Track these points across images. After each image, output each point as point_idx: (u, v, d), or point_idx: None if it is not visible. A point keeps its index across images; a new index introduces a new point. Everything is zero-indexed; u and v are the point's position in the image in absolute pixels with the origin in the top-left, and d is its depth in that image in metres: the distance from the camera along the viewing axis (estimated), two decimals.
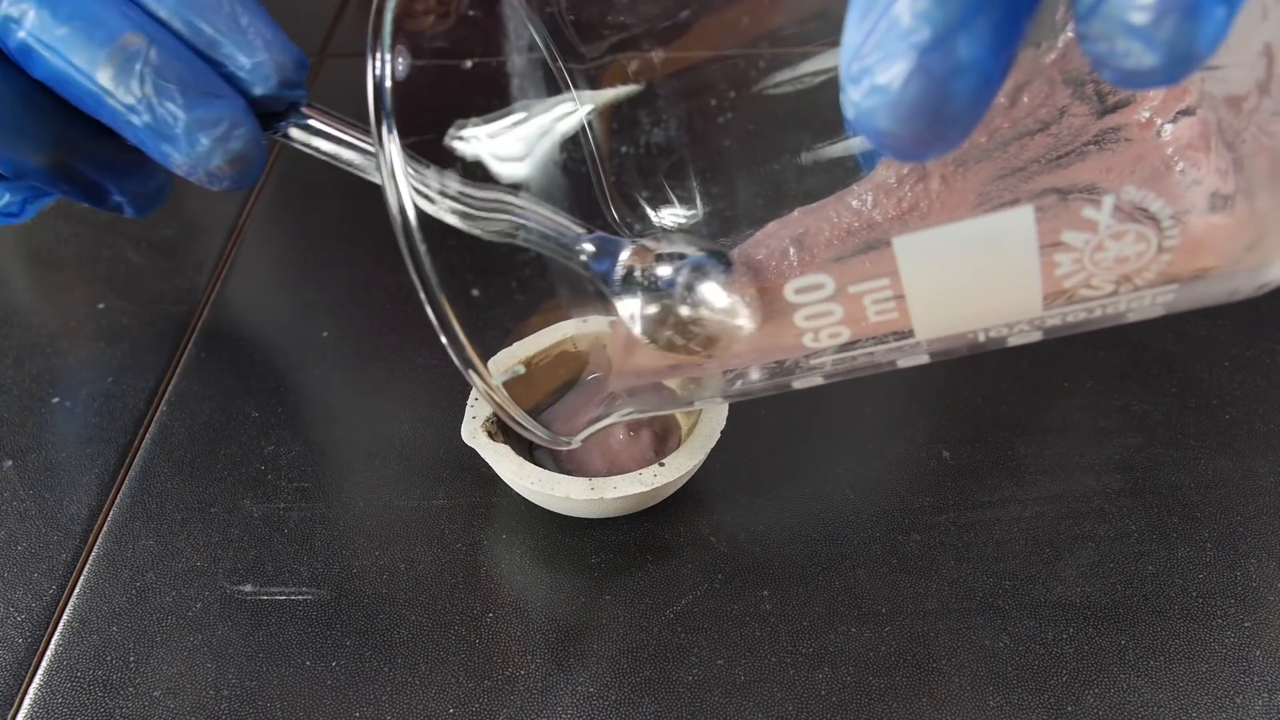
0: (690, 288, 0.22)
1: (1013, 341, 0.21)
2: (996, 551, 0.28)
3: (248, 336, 0.36)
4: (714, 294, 0.22)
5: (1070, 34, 0.18)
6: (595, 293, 0.22)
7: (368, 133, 0.25)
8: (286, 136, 0.26)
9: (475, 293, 0.21)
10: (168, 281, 0.37)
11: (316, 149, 0.26)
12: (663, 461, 0.27)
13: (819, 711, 0.25)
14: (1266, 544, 0.28)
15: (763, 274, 0.21)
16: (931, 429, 0.31)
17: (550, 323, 0.27)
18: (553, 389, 0.26)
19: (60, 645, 0.27)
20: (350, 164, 0.26)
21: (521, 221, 0.21)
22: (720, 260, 0.22)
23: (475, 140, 0.21)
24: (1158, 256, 0.18)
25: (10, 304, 0.36)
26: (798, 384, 0.23)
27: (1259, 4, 0.17)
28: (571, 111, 0.22)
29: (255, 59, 0.24)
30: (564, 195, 0.21)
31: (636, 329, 0.22)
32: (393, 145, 0.19)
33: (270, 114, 0.25)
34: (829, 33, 0.20)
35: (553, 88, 0.22)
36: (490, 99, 0.21)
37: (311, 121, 0.26)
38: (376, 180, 0.25)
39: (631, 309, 0.22)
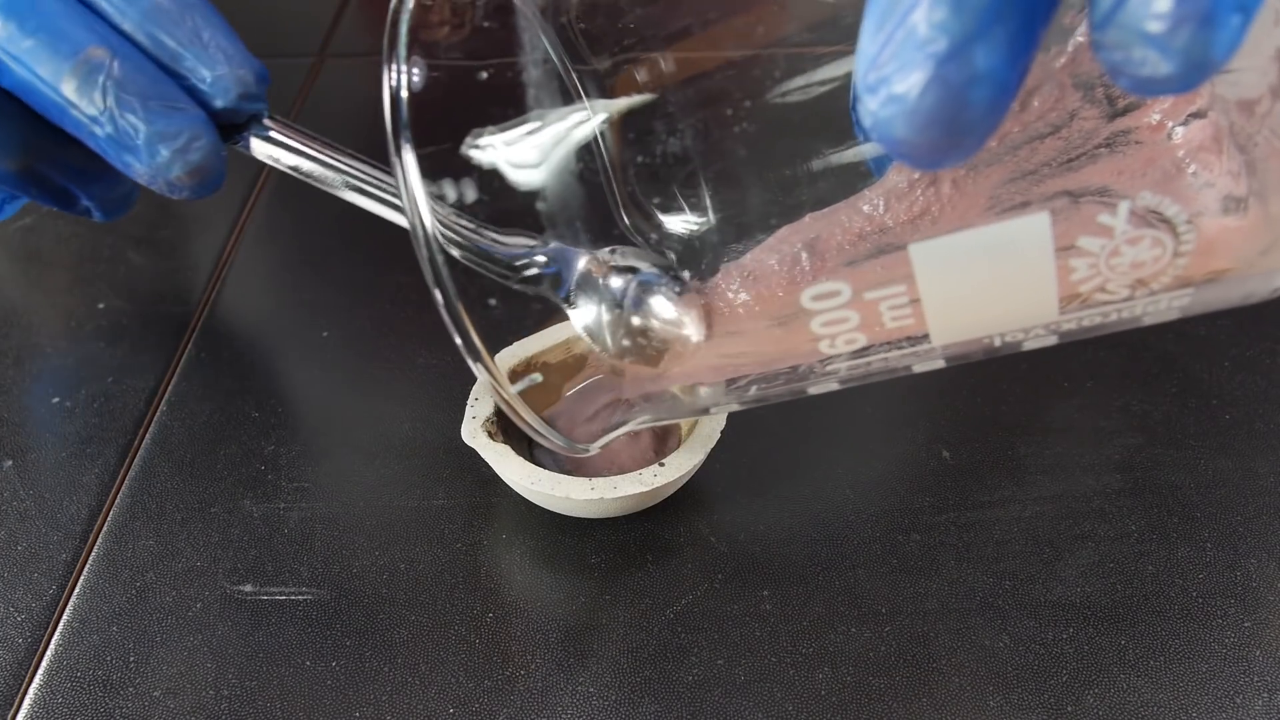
0: (637, 301, 0.22)
1: (1028, 346, 0.21)
2: (996, 551, 0.28)
3: (248, 336, 0.36)
4: (661, 307, 0.22)
5: (1080, 38, 0.18)
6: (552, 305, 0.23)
7: (328, 145, 0.26)
8: (248, 148, 0.26)
9: (492, 301, 0.21)
10: (168, 281, 0.37)
11: (277, 160, 0.26)
12: (663, 461, 0.27)
13: (819, 711, 0.25)
14: (1266, 544, 0.28)
15: (775, 279, 0.21)
16: (931, 429, 0.31)
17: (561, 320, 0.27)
18: (569, 394, 0.26)
19: (60, 645, 0.27)
20: (310, 175, 0.26)
21: (459, 239, 0.22)
22: (670, 277, 0.22)
23: (491, 149, 0.21)
24: (1173, 261, 0.18)
25: (10, 304, 0.37)
26: (813, 389, 0.23)
27: (1272, 10, 0.17)
28: (585, 120, 0.22)
29: (216, 72, 0.25)
30: (579, 203, 0.22)
31: (583, 336, 0.23)
32: (409, 156, 0.20)
33: (232, 126, 0.26)
34: (840, 39, 0.20)
35: (567, 97, 0.23)
36: (505, 108, 0.22)
37: (272, 133, 0.26)
38: (336, 192, 0.26)
39: (582, 318, 0.23)
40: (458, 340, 0.20)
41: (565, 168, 0.21)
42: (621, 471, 0.27)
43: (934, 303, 0.19)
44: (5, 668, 0.26)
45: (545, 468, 0.27)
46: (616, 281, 0.22)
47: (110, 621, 0.27)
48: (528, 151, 0.21)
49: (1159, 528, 0.29)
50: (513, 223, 0.22)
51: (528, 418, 0.23)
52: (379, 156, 0.24)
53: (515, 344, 0.29)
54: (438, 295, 0.20)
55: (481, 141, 0.21)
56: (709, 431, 0.28)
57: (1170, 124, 0.18)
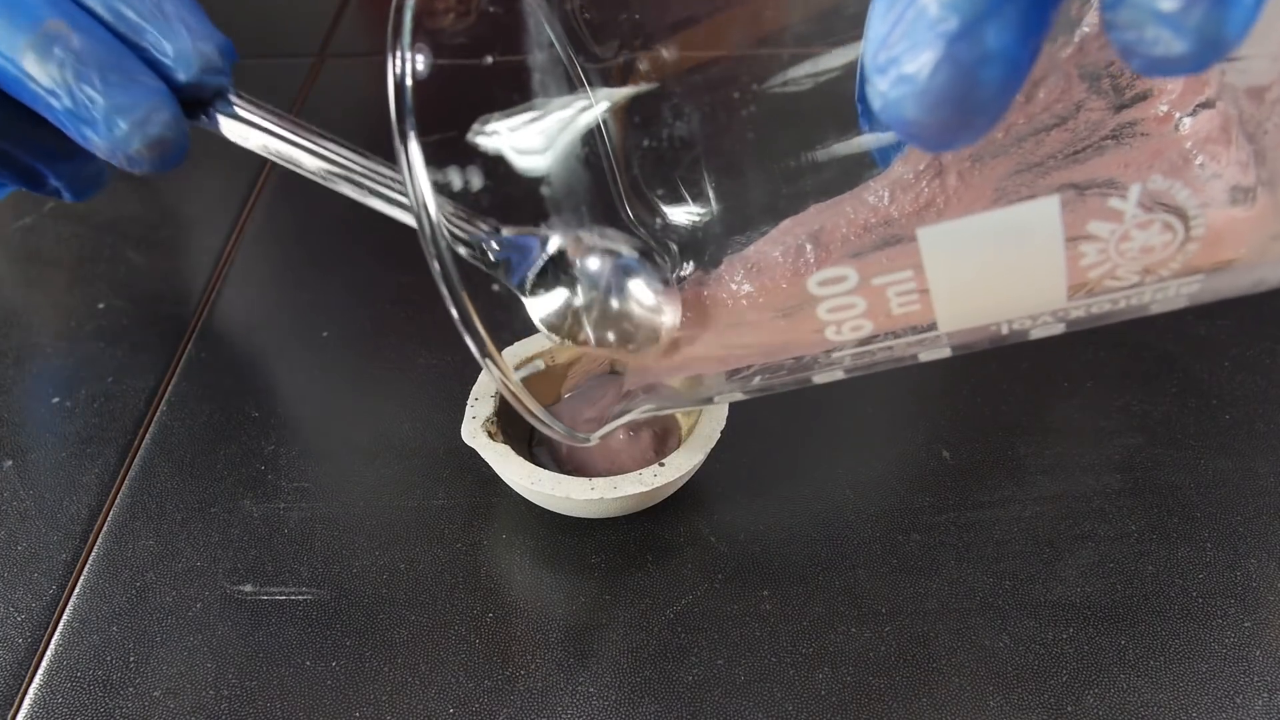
0: (614, 286, 0.22)
1: (1036, 334, 0.21)
2: (996, 551, 0.28)
3: (248, 336, 0.36)
4: (639, 292, 0.22)
5: (1086, 28, 0.18)
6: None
7: (297, 125, 0.25)
8: (216, 127, 0.26)
9: (496, 288, 0.21)
10: (168, 281, 0.37)
11: (246, 139, 0.26)
12: (663, 461, 0.27)
13: (819, 711, 0.25)
14: (1266, 544, 0.28)
15: (779, 271, 0.21)
16: (931, 429, 0.31)
17: None
18: (572, 384, 0.26)
19: (60, 645, 0.27)
20: (279, 155, 0.25)
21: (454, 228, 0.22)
22: (651, 262, 0.22)
23: (496, 135, 0.21)
24: (1183, 247, 0.18)
25: (10, 304, 0.37)
26: (818, 378, 0.23)
27: None
28: (588, 108, 0.22)
29: (178, 45, 0.25)
30: (584, 189, 0.22)
31: (540, 324, 0.23)
32: (414, 144, 0.20)
33: (199, 102, 0.26)
34: (843, 29, 0.20)
35: (572, 83, 0.23)
36: (510, 95, 0.21)
37: (238, 110, 0.26)
38: (305, 174, 0.25)
39: (541, 307, 0.23)
40: (454, 313, 0.20)
41: (570, 153, 0.21)
42: (622, 471, 0.27)
43: (942, 288, 0.19)
44: (5, 668, 0.26)
45: (545, 468, 0.27)
46: (594, 264, 0.22)
47: (110, 621, 0.27)
48: (533, 137, 0.21)
49: (1159, 528, 0.29)
50: (517, 208, 0.22)
51: (528, 403, 0.22)
52: (381, 155, 0.24)
53: (517, 344, 0.29)
54: (444, 290, 0.20)
55: (488, 128, 0.21)
56: (709, 431, 0.28)
57: (1178, 115, 0.18)
